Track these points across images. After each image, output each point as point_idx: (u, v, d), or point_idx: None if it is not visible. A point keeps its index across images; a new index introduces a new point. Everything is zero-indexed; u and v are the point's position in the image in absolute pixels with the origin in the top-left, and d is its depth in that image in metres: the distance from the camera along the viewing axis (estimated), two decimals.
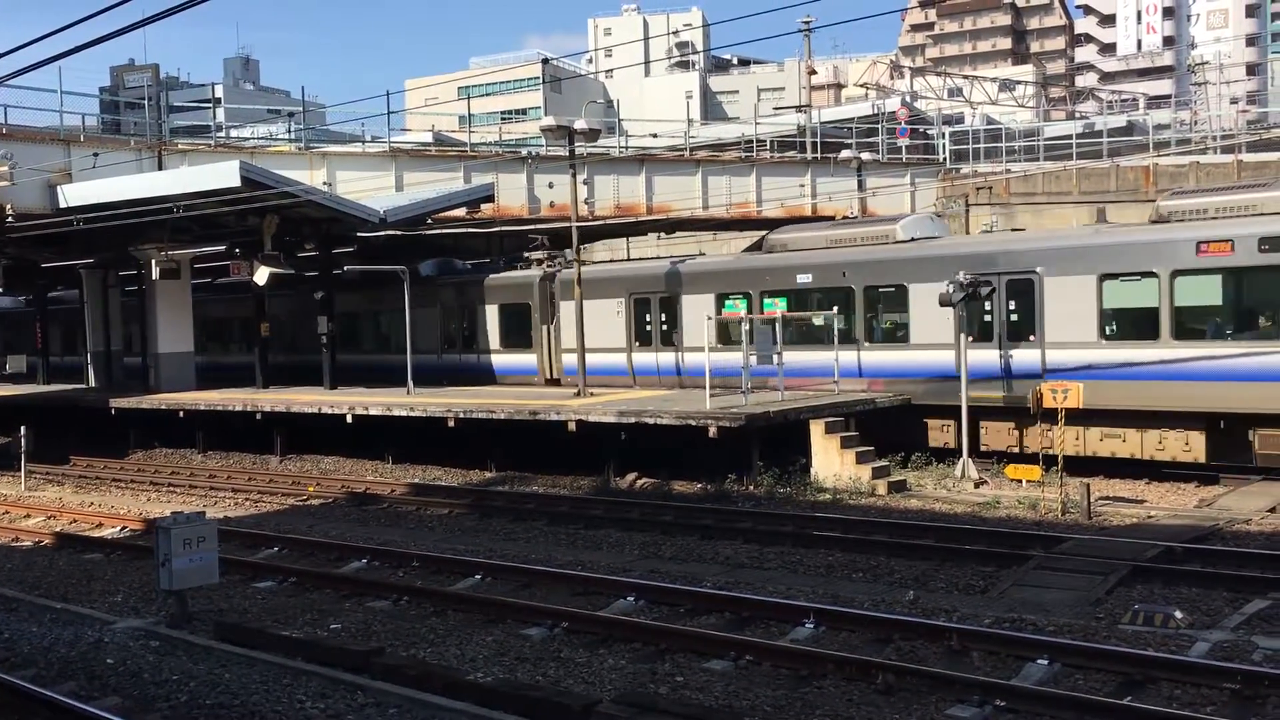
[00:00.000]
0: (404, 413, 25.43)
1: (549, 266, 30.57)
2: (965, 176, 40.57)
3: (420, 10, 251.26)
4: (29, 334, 45.44)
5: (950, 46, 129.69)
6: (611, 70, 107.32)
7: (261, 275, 29.12)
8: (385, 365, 32.48)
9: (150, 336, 32.96)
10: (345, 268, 30.26)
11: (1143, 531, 16.34)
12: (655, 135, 43.55)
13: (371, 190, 30.85)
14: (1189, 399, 20.02)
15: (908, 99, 58.16)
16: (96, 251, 34.40)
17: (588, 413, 22.69)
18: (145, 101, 36.86)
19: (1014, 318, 22.10)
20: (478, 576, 15.19)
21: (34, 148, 27.83)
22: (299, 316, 35.65)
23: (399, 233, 30.04)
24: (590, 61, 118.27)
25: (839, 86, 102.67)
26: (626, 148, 39.18)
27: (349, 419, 26.22)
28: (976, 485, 20.84)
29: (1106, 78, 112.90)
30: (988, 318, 22.41)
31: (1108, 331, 21.21)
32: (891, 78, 64.37)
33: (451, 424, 24.47)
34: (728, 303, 26.15)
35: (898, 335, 23.96)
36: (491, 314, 31.39)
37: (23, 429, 26.69)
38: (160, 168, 29.65)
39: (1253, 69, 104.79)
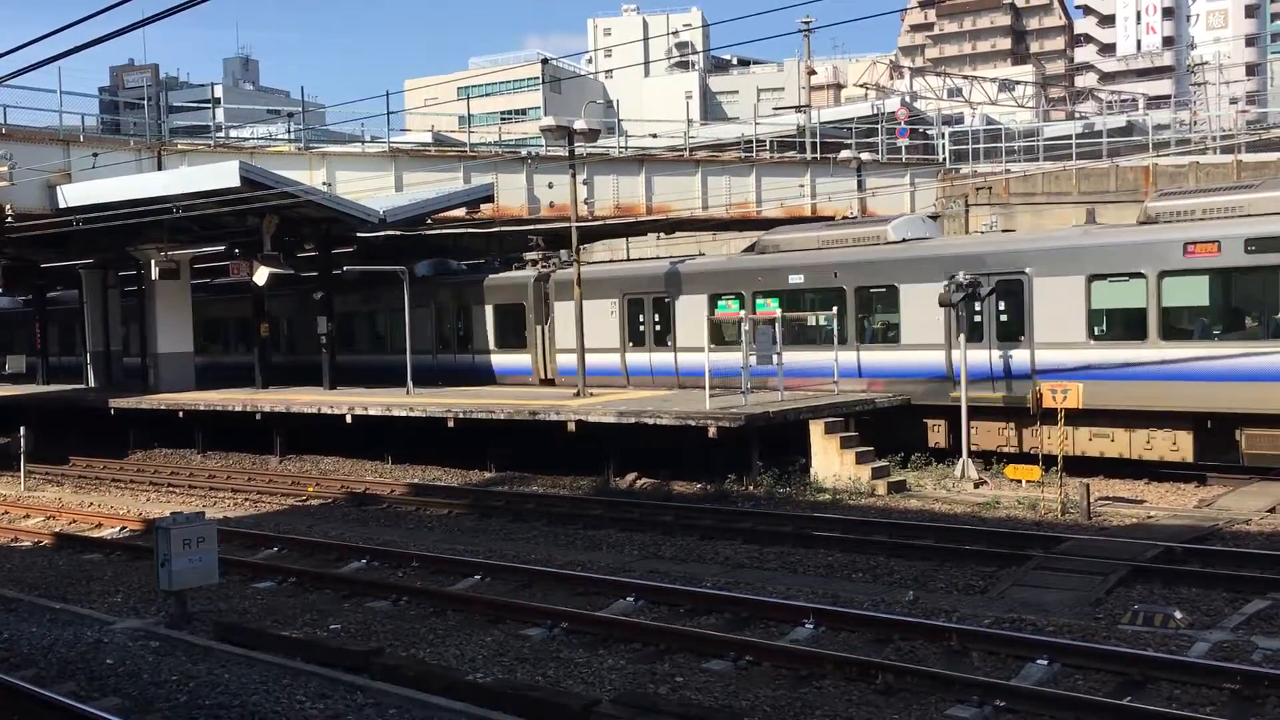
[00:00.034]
0: (403, 413, 25.43)
1: (543, 267, 30.67)
2: (965, 177, 40.56)
3: (420, 10, 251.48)
4: (28, 334, 45.45)
5: (950, 47, 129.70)
6: (611, 70, 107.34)
7: (261, 275, 29.12)
8: (382, 365, 32.55)
9: (149, 337, 32.97)
10: (345, 268, 30.30)
11: (1142, 532, 16.34)
12: (655, 135, 43.57)
13: (371, 190, 30.85)
14: (1176, 399, 20.13)
15: (907, 99, 58.15)
16: (96, 252, 34.41)
17: (587, 413, 22.69)
18: (145, 102, 36.92)
19: (1004, 318, 22.16)
20: (477, 577, 15.19)
21: (33, 148, 27.84)
22: (298, 317, 35.70)
23: (399, 233, 30.06)
24: (590, 62, 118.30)
25: (839, 87, 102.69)
26: (626, 148, 39.18)
27: (348, 419, 26.22)
28: (976, 485, 20.84)
29: (1106, 78, 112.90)
30: (978, 318, 22.49)
31: (1096, 332, 21.30)
32: (891, 78, 64.38)
33: (451, 424, 24.47)
34: (720, 303, 26.22)
35: (889, 336, 24.05)
36: (486, 315, 31.46)
37: (22, 429, 26.69)
38: (160, 168, 29.66)
39: (1252, 69, 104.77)
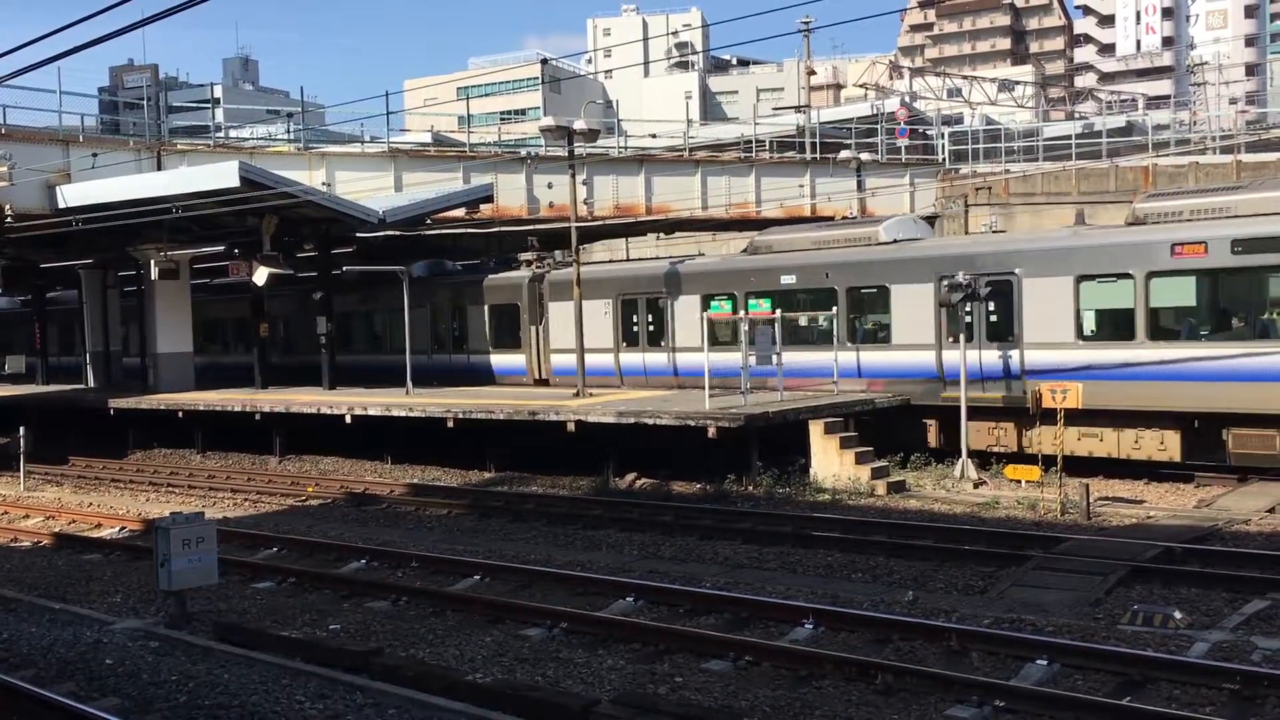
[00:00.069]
0: (403, 413, 25.43)
1: (537, 268, 30.85)
2: (964, 177, 40.55)
3: (419, 11, 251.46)
4: (27, 334, 45.43)
5: (949, 47, 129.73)
6: (611, 71, 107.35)
7: (260, 275, 29.12)
8: (379, 365, 32.67)
9: (149, 337, 32.97)
10: (345, 268, 30.31)
11: (1142, 532, 16.34)
12: (654, 136, 43.58)
13: (370, 190, 30.85)
14: (1164, 399, 20.25)
15: (907, 99, 58.14)
16: (95, 252, 34.41)
17: (587, 413, 22.69)
18: (144, 102, 36.92)
19: (993, 318, 22.25)
20: (477, 577, 15.19)
21: (33, 148, 27.83)
22: (296, 317, 35.72)
23: (398, 233, 30.06)
24: (589, 62, 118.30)
25: (838, 87, 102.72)
26: (625, 148, 39.18)
27: (348, 419, 26.22)
28: (975, 486, 20.86)
29: (1105, 78, 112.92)
30: (968, 319, 22.58)
31: (1085, 332, 21.42)
32: (891, 78, 64.37)
33: (450, 424, 24.47)
34: (714, 304, 26.33)
35: (880, 336, 24.13)
36: (481, 315, 31.62)
37: (21, 429, 26.68)
38: (159, 168, 29.65)
39: (1252, 69, 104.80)
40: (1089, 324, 21.46)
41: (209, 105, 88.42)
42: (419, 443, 26.31)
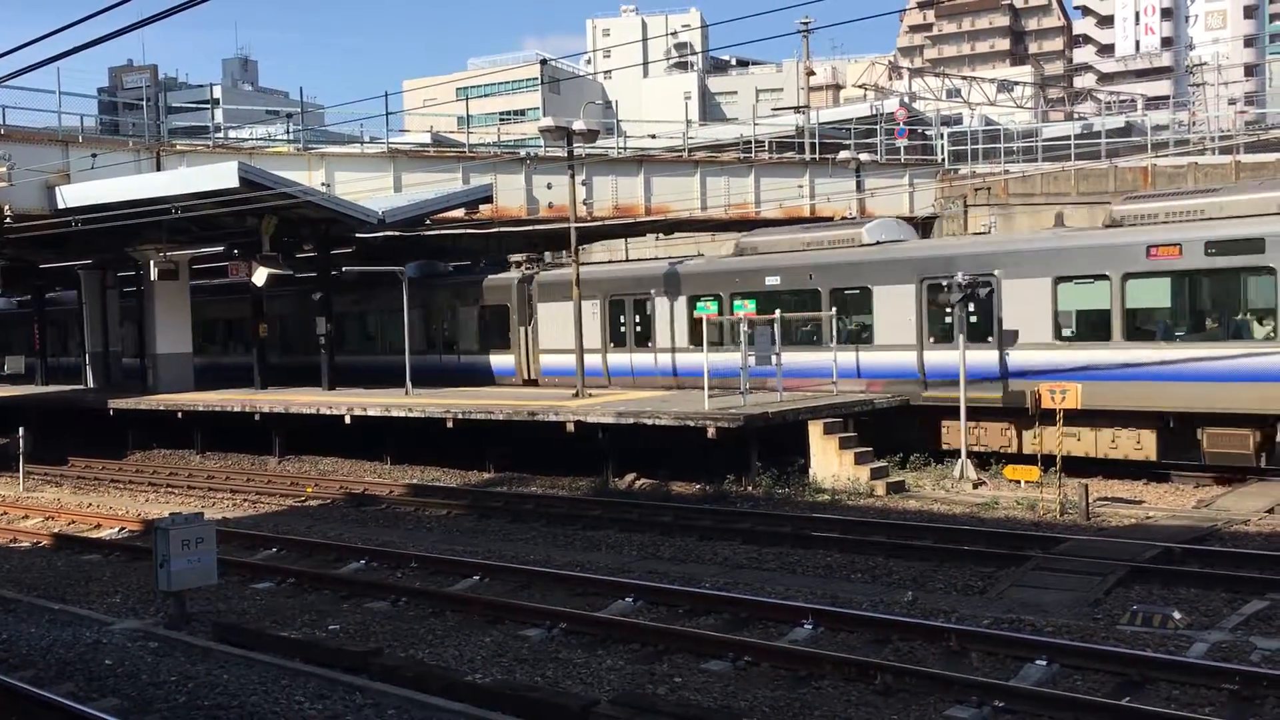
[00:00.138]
0: (402, 413, 25.43)
1: (527, 269, 31.11)
2: (964, 177, 40.55)
3: (419, 11, 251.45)
4: (26, 335, 45.42)
5: (949, 47, 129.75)
6: (610, 71, 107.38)
7: (260, 276, 29.13)
8: (375, 366, 32.80)
9: (148, 337, 32.97)
10: (344, 269, 30.32)
11: (1141, 532, 16.35)
12: (654, 136, 43.58)
13: (370, 191, 30.85)
14: (1140, 399, 20.45)
15: (906, 100, 58.14)
16: (95, 252, 34.40)
17: (586, 413, 22.70)
18: (144, 102, 36.94)
19: (973, 319, 22.38)
20: (476, 577, 15.19)
21: (32, 149, 27.81)
22: (293, 318, 35.75)
23: (397, 234, 30.05)
24: (589, 62, 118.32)
25: (837, 87, 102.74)
26: (625, 149, 39.19)
27: (347, 420, 26.21)
28: (975, 486, 20.87)
29: (1105, 79, 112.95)
30: (948, 319, 22.75)
31: (1063, 333, 21.64)
32: (890, 78, 64.36)
33: (450, 425, 24.47)
34: (699, 305, 26.54)
35: (862, 337, 24.27)
36: (471, 316, 31.89)
37: (21, 430, 26.67)
38: (159, 168, 29.64)
39: (1251, 70, 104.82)
40: (1067, 325, 21.73)
41: (208, 106, 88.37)
42: (418, 443, 26.31)
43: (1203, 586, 13.20)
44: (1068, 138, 43.07)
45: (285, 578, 15.61)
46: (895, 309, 23.39)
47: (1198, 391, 19.89)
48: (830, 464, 21.00)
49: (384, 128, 35.03)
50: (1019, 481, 19.63)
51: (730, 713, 9.70)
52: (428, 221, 31.31)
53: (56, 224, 27.64)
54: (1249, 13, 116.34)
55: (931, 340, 23.03)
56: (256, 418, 28.13)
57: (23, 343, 46.43)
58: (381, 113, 38.82)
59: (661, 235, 40.50)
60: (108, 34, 10.92)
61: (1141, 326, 21.04)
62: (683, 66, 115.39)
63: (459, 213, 32.26)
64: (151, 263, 30.78)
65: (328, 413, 26.65)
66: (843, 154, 37.49)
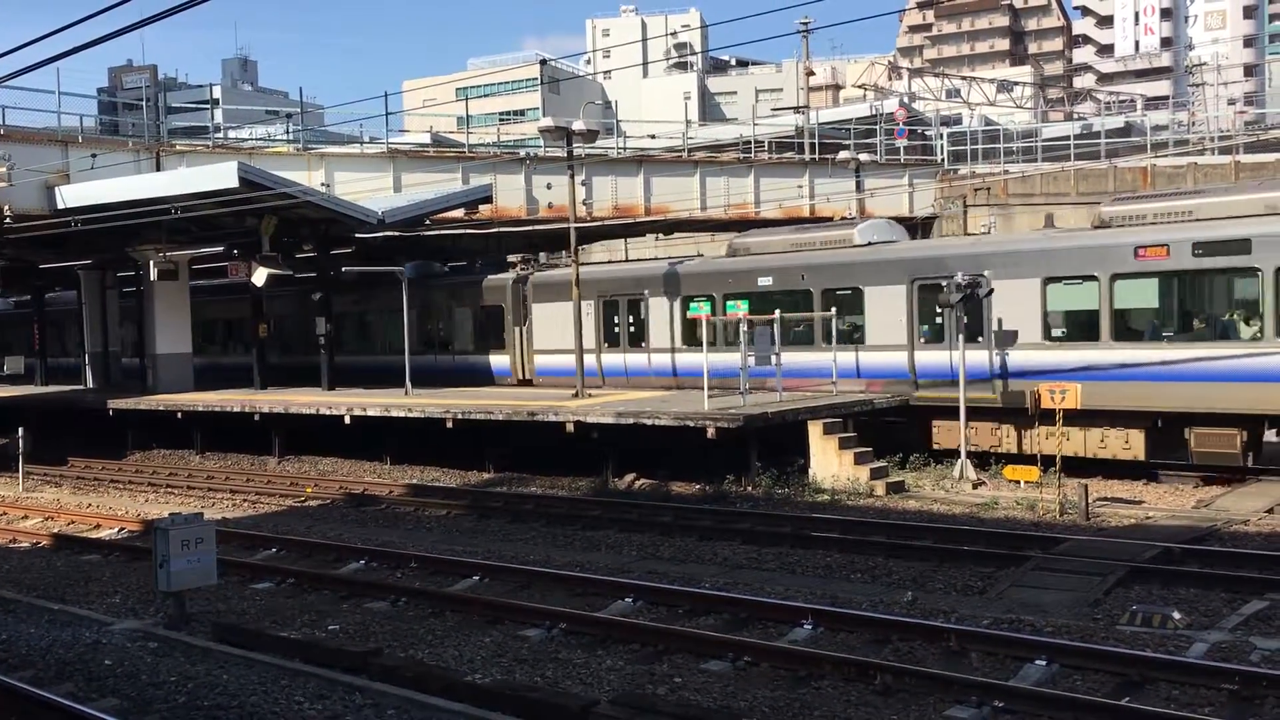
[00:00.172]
0: (402, 414, 25.43)
1: (521, 269, 31.25)
2: (963, 177, 40.56)
3: (418, 11, 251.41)
4: (26, 335, 45.41)
5: (948, 47, 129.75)
6: (610, 71, 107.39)
7: (259, 276, 29.12)
8: (373, 366, 32.85)
9: (148, 337, 32.96)
10: (344, 269, 30.32)
11: (1141, 532, 16.35)
12: (653, 136, 43.57)
13: (370, 191, 30.85)
14: (1128, 399, 20.56)
15: (905, 100, 58.14)
16: (94, 252, 34.39)
17: (586, 413, 22.70)
18: (143, 102, 36.93)
19: (964, 320, 22.39)
20: (476, 577, 15.18)
21: (32, 149, 27.81)
22: (292, 318, 35.76)
23: (397, 234, 30.05)
24: (588, 63, 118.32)
25: (837, 88, 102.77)
26: (624, 149, 39.18)
27: (347, 420, 26.21)
28: (974, 486, 20.88)
29: (1104, 79, 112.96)
30: (939, 320, 22.83)
31: (1053, 333, 21.75)
32: (889, 79, 64.35)
33: (450, 425, 24.47)
34: (692, 305, 26.70)
35: (854, 337, 24.36)
36: (466, 316, 32.03)
37: (20, 430, 26.67)
38: (158, 169, 29.64)
39: (1250, 70, 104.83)
40: (1056, 325, 21.85)
41: (208, 106, 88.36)
42: (418, 443, 26.31)
43: (1202, 586, 13.20)
44: (1067, 138, 43.09)
45: (285, 578, 15.60)
46: (886, 310, 23.52)
47: (1185, 391, 20.01)
48: (830, 464, 21.01)
49: (384, 128, 35.13)
50: (1018, 482, 19.64)
51: (730, 713, 9.70)
52: (427, 222, 31.31)
53: (56, 224, 27.64)
54: (1248, 13, 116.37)
55: (922, 341, 23.20)
56: (256, 418, 28.12)
57: (22, 343, 46.43)
58: (381, 113, 38.92)
59: (661, 235, 40.50)
60: (108, 34, 10.91)
61: (1130, 327, 21.17)
62: (682, 67, 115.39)
63: (459, 213, 32.28)
64: (151, 263, 30.77)
65: (327, 413, 26.65)
66: (842, 154, 37.48)
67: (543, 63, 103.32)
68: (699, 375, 23.14)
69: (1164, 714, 9.12)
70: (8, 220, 27.75)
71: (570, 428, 22.73)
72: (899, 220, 31.30)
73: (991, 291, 21.83)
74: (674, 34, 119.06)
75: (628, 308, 28.11)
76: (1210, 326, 20.55)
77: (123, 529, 20.53)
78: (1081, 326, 21.46)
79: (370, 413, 25.86)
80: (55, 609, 13.91)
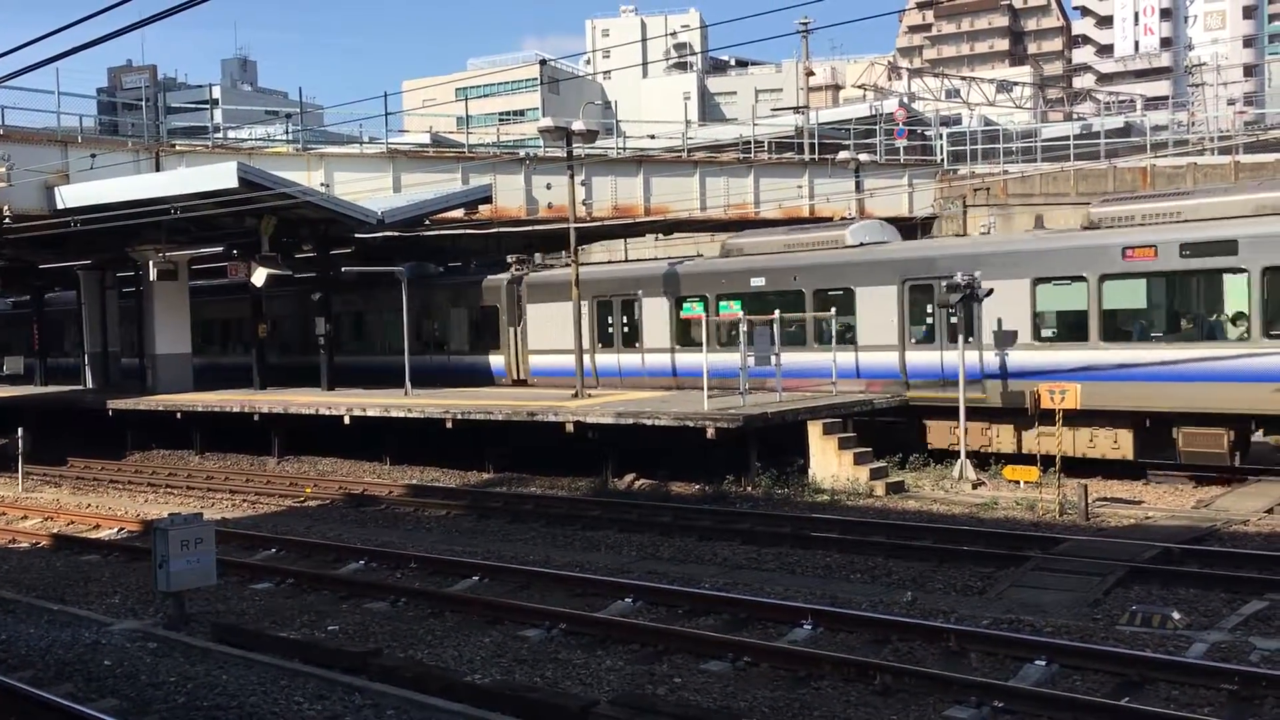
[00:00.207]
0: (402, 414, 25.42)
1: (516, 270, 31.34)
2: (963, 177, 40.57)
3: (418, 11, 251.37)
4: (25, 335, 45.40)
5: (948, 48, 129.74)
6: (609, 71, 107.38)
7: (259, 276, 29.11)
8: (370, 366, 32.87)
9: (147, 338, 32.95)
10: (344, 269, 30.33)
11: (1140, 532, 16.35)
12: (653, 136, 43.56)
13: (369, 191, 30.85)
14: (1116, 398, 20.64)
15: (905, 100, 58.13)
16: (94, 253, 34.38)
17: (585, 414, 22.70)
18: (143, 103, 36.90)
19: (954, 320, 22.52)
20: (476, 578, 15.18)
21: (31, 149, 27.81)
22: (293, 318, 35.77)
23: (396, 234, 30.06)
24: (588, 63, 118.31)
25: (837, 88, 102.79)
26: (624, 149, 39.17)
27: (346, 420, 26.20)
28: (974, 486, 20.88)
29: (1104, 79, 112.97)
30: (929, 320, 22.94)
31: (1042, 334, 21.86)
32: (889, 79, 64.33)
33: (449, 425, 24.47)
34: (686, 305, 26.79)
35: (846, 337, 24.43)
36: (461, 316, 32.11)
37: (20, 430, 26.67)
38: (158, 169, 29.63)
39: (1250, 70, 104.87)
40: (1046, 326, 21.97)
41: (207, 106, 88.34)
42: (417, 443, 26.30)
43: (1202, 587, 13.20)
44: (1067, 138, 43.11)
45: (284, 578, 15.60)
46: (878, 310, 23.62)
47: (1173, 392, 20.14)
48: (829, 464, 21.01)
49: (383, 128, 35.13)
50: (1018, 482, 19.64)
51: (730, 713, 9.70)
52: (427, 222, 31.32)
53: (55, 224, 27.63)
54: (1248, 13, 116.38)
55: (913, 341, 23.30)
56: (255, 418, 28.11)
57: (22, 343, 46.42)
58: (381, 113, 38.89)
59: (661, 236, 40.49)
60: (107, 34, 10.91)
61: (1119, 327, 21.26)
62: (682, 67, 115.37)
63: (458, 213, 32.28)
64: (150, 263, 30.78)
65: (327, 413, 26.64)
66: (842, 154, 37.47)
67: (542, 63, 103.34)
68: (694, 375, 23.21)
69: (1163, 714, 9.12)
70: (7, 220, 27.74)
71: (570, 428, 22.72)
72: (898, 220, 31.36)
73: (991, 292, 21.84)
74: (674, 34, 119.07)
75: (622, 308, 28.20)
76: (1198, 327, 20.66)
77: (122, 529, 20.53)
78: (1071, 327, 21.59)
79: (370, 413, 25.86)
80: (55, 609, 13.91)
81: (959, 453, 21.86)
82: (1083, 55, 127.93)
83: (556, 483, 23.60)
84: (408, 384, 28.58)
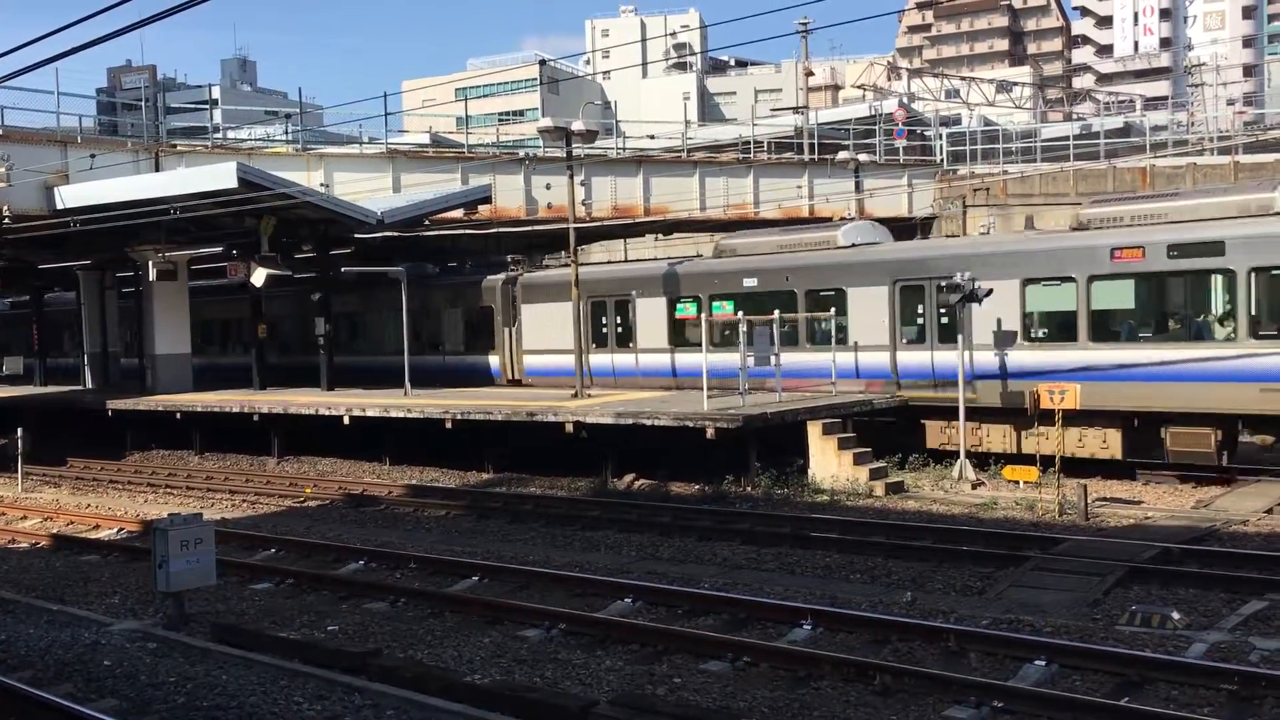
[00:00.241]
0: (401, 414, 25.42)
1: (510, 270, 31.42)
2: (963, 178, 40.55)
3: (418, 12, 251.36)
4: (25, 335, 45.39)
5: (947, 48, 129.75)
6: (609, 72, 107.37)
7: (259, 276, 29.11)
8: (368, 366, 32.91)
9: (147, 338, 32.95)
10: (344, 269, 30.33)
11: (1140, 532, 16.36)
12: (653, 137, 43.53)
13: (369, 191, 30.85)
14: (1105, 399, 20.71)
15: (904, 100, 58.12)
16: (93, 253, 34.37)
17: (585, 414, 22.70)
18: (142, 103, 36.80)
19: (944, 321, 22.67)
20: (475, 578, 15.18)
21: (31, 149, 27.80)
22: (292, 318, 35.77)
23: (396, 234, 30.06)
24: (588, 63, 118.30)
25: (836, 88, 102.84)
26: (624, 149, 39.16)
27: (346, 420, 26.20)
28: (974, 486, 20.88)
29: (1103, 79, 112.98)
30: (920, 320, 23.02)
31: (1031, 334, 21.98)
32: (889, 79, 64.35)
33: (449, 425, 24.47)
34: (679, 306, 26.90)
35: (837, 337, 24.48)
36: (456, 317, 32.21)
37: (19, 430, 26.67)
38: (157, 169, 29.63)
39: (1249, 70, 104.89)
40: (1035, 326, 22.07)
41: (207, 106, 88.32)
42: (417, 443, 26.30)
43: (1201, 587, 13.21)
44: (1066, 138, 43.10)
45: (284, 578, 15.60)
46: (869, 310, 23.69)
47: (1161, 392, 20.26)
48: (829, 464, 21.01)
49: (383, 128, 35.10)
50: (1017, 482, 19.65)
51: (729, 713, 9.70)
52: (426, 222, 31.32)
53: (55, 224, 27.63)
54: (1247, 13, 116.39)
55: (904, 341, 23.40)
56: (255, 418, 28.11)
57: (21, 343, 46.40)
58: (380, 113, 38.86)
59: (660, 236, 40.49)
60: (107, 34, 10.90)
61: (1107, 328, 21.36)
62: (681, 67, 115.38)
63: (458, 213, 32.28)
64: (150, 263, 30.78)
65: (326, 413, 26.64)
66: (841, 154, 37.46)
67: (542, 63, 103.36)
68: (690, 374, 23.23)
69: (1163, 714, 9.13)
70: (7, 220, 27.73)
71: (569, 428, 22.72)
72: (898, 221, 31.32)
73: (990, 292, 21.86)
74: (673, 34, 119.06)
75: (616, 308, 28.25)
76: (1186, 328, 20.79)
77: (122, 529, 20.53)
78: (1060, 327, 21.70)
79: (369, 413, 25.85)
80: (54, 609, 13.91)
81: (952, 452, 21.92)
82: (1082, 55, 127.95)
83: (556, 483, 23.60)
84: (407, 384, 28.58)
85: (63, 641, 12.12)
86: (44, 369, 42.07)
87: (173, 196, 26.23)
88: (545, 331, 29.23)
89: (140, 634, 12.41)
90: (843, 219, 33.76)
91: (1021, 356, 21.81)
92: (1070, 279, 21.26)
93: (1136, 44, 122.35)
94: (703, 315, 25.60)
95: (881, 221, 29.56)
